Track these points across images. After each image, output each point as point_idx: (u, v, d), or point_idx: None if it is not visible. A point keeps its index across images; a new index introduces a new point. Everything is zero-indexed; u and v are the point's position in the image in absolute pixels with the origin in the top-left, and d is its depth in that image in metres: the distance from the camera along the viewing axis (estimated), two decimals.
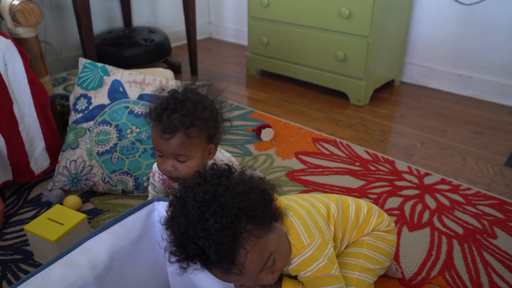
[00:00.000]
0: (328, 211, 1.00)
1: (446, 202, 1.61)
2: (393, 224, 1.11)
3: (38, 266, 1.32)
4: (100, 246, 0.87)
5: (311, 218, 0.93)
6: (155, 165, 1.27)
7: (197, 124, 1.07)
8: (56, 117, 1.84)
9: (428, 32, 2.56)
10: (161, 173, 1.25)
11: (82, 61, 1.72)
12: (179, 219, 0.76)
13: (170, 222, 0.78)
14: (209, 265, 0.76)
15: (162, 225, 0.81)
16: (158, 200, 0.96)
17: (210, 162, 1.20)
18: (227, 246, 0.72)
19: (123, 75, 1.68)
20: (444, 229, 1.48)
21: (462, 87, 2.55)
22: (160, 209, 0.96)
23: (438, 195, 1.65)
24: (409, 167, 1.83)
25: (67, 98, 2.08)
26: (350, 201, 1.07)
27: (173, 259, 0.78)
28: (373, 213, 1.07)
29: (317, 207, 0.98)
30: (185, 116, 1.05)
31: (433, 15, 2.51)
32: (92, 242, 0.87)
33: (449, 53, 2.53)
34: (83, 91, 1.67)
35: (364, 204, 1.08)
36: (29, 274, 0.82)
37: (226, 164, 0.84)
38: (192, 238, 0.74)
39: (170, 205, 0.80)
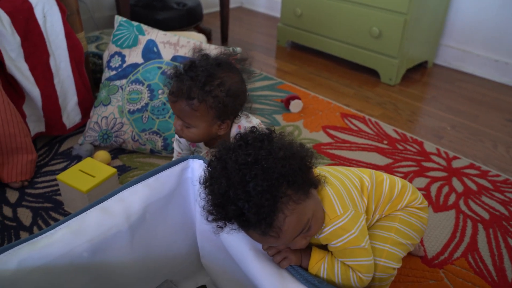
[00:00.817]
0: (361, 184, 0.99)
1: (473, 186, 1.59)
2: (426, 203, 1.11)
3: (68, 215, 1.36)
4: (135, 197, 0.89)
5: (345, 189, 0.92)
6: None
7: (202, 98, 1.06)
8: (89, 74, 1.85)
9: (468, 14, 2.48)
10: None
11: (118, 19, 1.72)
12: (220, 179, 0.76)
13: (210, 182, 0.79)
14: (247, 226, 0.76)
15: (200, 184, 0.81)
16: (193, 157, 0.97)
17: (234, 130, 1.20)
18: (267, 209, 0.73)
19: (158, 36, 1.68)
20: (469, 213, 1.46)
21: (498, 73, 2.48)
22: (194, 166, 0.97)
23: (465, 179, 1.63)
24: (438, 149, 1.80)
25: (99, 56, 2.09)
26: (385, 176, 1.06)
27: (211, 218, 0.79)
28: (407, 190, 1.07)
29: (351, 179, 0.98)
30: (191, 87, 1.06)
31: None
32: (127, 192, 0.89)
33: (487, 38, 2.46)
34: (117, 49, 1.67)
35: (398, 180, 1.07)
36: (66, 217, 0.84)
37: (268, 128, 0.84)
38: (232, 199, 0.74)
39: (209, 165, 0.81)
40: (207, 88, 1.05)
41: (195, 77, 1.06)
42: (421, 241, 1.33)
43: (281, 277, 0.81)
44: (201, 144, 1.28)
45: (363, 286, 0.92)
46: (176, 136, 1.33)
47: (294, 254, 0.88)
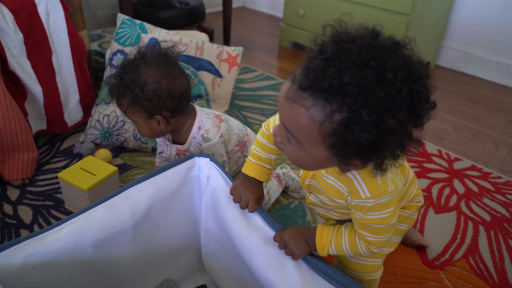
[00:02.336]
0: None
1: (475, 188, 1.59)
2: (422, 201, 1.06)
3: (68, 214, 1.37)
4: (141, 194, 0.90)
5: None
6: None
7: (121, 94, 1.14)
8: (91, 72, 1.85)
9: (471, 15, 2.48)
10: None
11: (121, 17, 1.72)
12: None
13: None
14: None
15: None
16: (199, 155, 0.98)
17: (194, 129, 1.22)
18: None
19: (161, 34, 1.68)
20: (471, 215, 1.46)
21: (500, 75, 2.48)
22: (201, 164, 0.97)
23: (467, 181, 1.63)
24: (439, 151, 1.80)
25: (101, 54, 2.09)
26: (406, 164, 0.96)
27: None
28: (415, 182, 1.00)
29: None
30: (114, 84, 1.14)
31: None
32: (135, 190, 0.89)
33: (490, 39, 2.45)
34: (120, 47, 1.67)
35: (410, 168, 0.99)
36: (73, 214, 0.85)
37: None
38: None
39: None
40: (123, 83, 1.12)
41: (118, 74, 1.14)
42: (422, 233, 1.33)
43: (298, 267, 0.82)
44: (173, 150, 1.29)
45: (371, 252, 0.86)
46: (158, 155, 1.37)
47: (300, 249, 0.86)
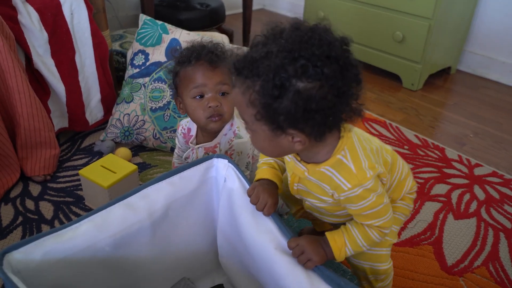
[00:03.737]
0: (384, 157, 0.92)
1: (495, 194, 1.57)
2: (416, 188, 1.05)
3: (88, 210, 1.38)
4: (159, 194, 0.90)
5: (370, 148, 0.87)
6: (182, 121, 1.29)
7: (228, 62, 1.13)
8: (112, 71, 1.88)
9: (494, 20, 2.44)
10: (184, 127, 1.27)
11: (143, 17, 1.74)
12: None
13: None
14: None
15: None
16: (218, 156, 0.98)
17: (226, 126, 1.21)
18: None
19: (182, 35, 1.69)
20: (491, 221, 1.44)
21: None
22: (219, 165, 0.97)
23: (487, 187, 1.60)
24: (460, 156, 1.78)
25: (122, 54, 2.12)
26: (399, 158, 0.98)
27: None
28: (410, 174, 1.01)
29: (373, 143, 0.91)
30: (221, 53, 1.13)
31: (501, 3, 2.38)
32: (152, 189, 0.90)
33: None
34: (141, 47, 1.69)
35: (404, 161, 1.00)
36: (90, 212, 0.86)
37: None
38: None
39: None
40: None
41: (214, 47, 1.15)
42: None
43: (308, 276, 0.80)
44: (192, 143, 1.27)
45: (384, 236, 0.90)
46: (177, 133, 1.32)
47: (318, 255, 0.86)
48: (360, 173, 0.81)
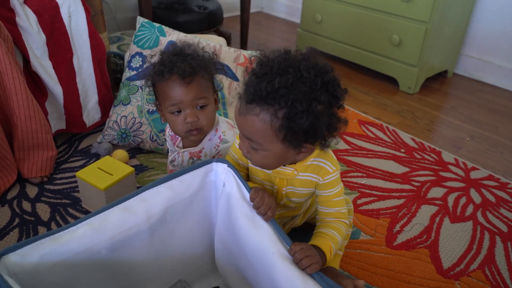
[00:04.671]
0: None
1: (492, 198, 1.57)
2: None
3: (86, 213, 1.39)
4: (157, 198, 0.90)
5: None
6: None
7: (203, 67, 1.11)
8: (110, 74, 1.88)
9: (490, 24, 2.46)
10: (170, 130, 1.27)
11: (140, 20, 1.74)
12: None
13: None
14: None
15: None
16: (217, 161, 0.98)
17: (211, 131, 1.22)
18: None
19: (179, 37, 1.69)
20: (487, 225, 1.44)
21: None
22: (218, 169, 0.97)
23: (484, 191, 1.61)
24: (456, 160, 1.78)
25: (120, 56, 2.12)
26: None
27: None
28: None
29: None
30: (194, 59, 1.10)
31: (498, 7, 2.40)
32: (150, 193, 0.90)
33: (510, 48, 2.42)
34: (138, 49, 1.70)
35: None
36: (89, 214, 0.86)
37: None
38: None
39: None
40: (200, 58, 1.13)
41: (185, 54, 1.13)
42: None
43: (304, 281, 0.80)
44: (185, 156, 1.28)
45: (347, 228, 1.08)
46: (166, 136, 1.34)
47: (320, 258, 0.90)
48: (336, 160, 1.02)
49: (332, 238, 1.00)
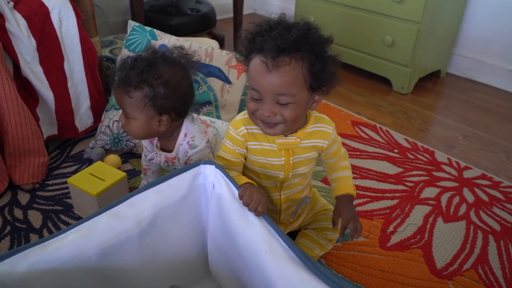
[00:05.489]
0: None
1: (484, 197, 1.58)
2: None
3: (78, 219, 1.38)
4: (146, 202, 0.89)
5: None
6: None
7: (137, 85, 1.09)
8: (102, 78, 1.87)
9: (483, 23, 2.46)
10: None
11: (131, 23, 1.74)
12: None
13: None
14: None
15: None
16: (205, 163, 0.98)
17: (181, 136, 1.22)
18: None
19: (170, 41, 1.69)
20: (480, 224, 1.45)
21: None
22: (207, 172, 0.97)
23: (477, 190, 1.61)
24: (449, 159, 1.79)
25: (112, 60, 2.11)
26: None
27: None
28: None
29: None
30: (129, 75, 1.09)
31: (490, 6, 2.40)
32: (139, 198, 0.89)
33: (502, 48, 2.43)
34: (130, 54, 1.69)
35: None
36: (78, 221, 0.85)
37: None
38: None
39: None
40: (143, 77, 1.08)
41: (134, 66, 1.10)
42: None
43: (300, 279, 0.80)
44: (162, 157, 1.28)
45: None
46: (144, 158, 1.35)
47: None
48: (329, 119, 1.12)
49: (348, 178, 1.15)
